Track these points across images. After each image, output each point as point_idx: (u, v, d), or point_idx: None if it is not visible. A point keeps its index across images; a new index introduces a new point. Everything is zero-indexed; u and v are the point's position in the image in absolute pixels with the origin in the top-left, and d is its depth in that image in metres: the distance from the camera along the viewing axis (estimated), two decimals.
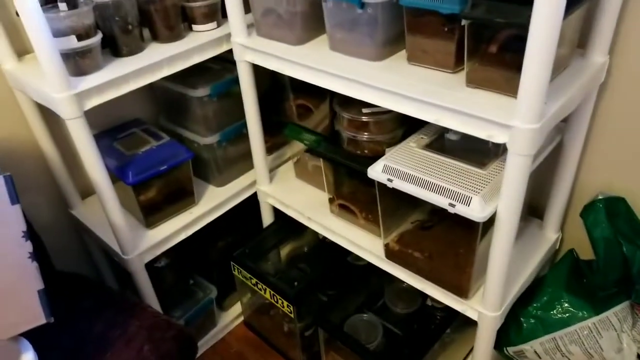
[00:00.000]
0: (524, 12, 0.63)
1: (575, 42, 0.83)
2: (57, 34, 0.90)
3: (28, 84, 1.01)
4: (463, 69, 0.79)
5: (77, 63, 0.96)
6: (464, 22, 0.73)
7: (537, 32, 0.61)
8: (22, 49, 1.08)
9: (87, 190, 1.28)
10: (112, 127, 1.26)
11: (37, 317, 0.65)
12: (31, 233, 0.66)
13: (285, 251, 1.38)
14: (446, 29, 0.80)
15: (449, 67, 0.83)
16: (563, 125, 0.95)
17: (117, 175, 1.10)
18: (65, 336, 0.87)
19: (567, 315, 0.96)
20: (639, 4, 0.83)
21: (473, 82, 0.78)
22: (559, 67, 0.80)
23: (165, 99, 1.31)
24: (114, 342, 0.86)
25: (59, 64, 0.88)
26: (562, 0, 0.59)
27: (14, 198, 0.63)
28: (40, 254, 0.67)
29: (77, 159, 1.12)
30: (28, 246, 0.64)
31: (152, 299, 1.19)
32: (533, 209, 1.11)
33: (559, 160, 0.98)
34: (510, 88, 0.72)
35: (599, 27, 0.82)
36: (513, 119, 0.68)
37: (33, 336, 0.68)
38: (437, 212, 0.99)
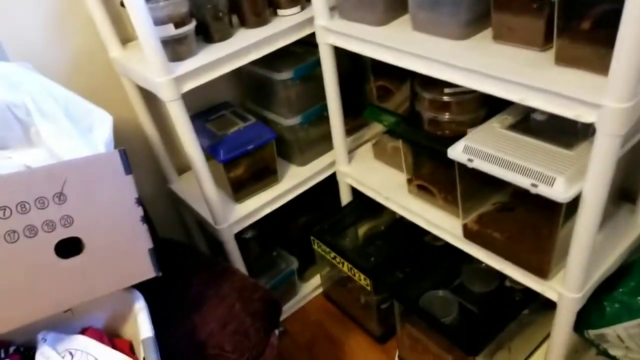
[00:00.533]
0: None
1: None
2: (157, 22, 0.98)
3: (132, 70, 1.11)
4: (552, 47, 0.77)
5: (174, 49, 1.04)
6: None
7: (633, 5, 0.59)
8: (125, 37, 1.19)
9: (182, 168, 1.40)
10: (204, 109, 1.35)
11: (148, 271, 0.74)
12: (140, 200, 0.75)
13: (362, 229, 1.42)
14: (535, 5, 0.78)
15: (537, 45, 0.81)
16: None
17: (209, 154, 1.19)
18: (169, 292, 0.97)
19: None
20: None
21: (562, 60, 0.76)
22: None
23: (251, 82, 1.38)
24: (209, 299, 0.95)
25: (159, 50, 0.96)
26: None
27: (128, 169, 0.72)
28: (147, 221, 0.76)
29: (174, 138, 1.23)
30: (140, 211, 0.73)
31: (240, 266, 1.29)
32: (625, 193, 1.06)
33: None
34: (601, 67, 0.70)
35: None
36: (603, 98, 0.66)
37: (143, 290, 0.78)
38: (519, 195, 0.98)
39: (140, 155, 1.34)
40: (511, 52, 0.83)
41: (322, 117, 1.33)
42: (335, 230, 1.38)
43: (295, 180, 1.34)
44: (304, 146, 1.36)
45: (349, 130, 1.43)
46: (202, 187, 1.14)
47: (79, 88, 0.90)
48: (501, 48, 0.85)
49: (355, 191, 1.39)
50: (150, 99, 1.22)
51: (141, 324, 0.72)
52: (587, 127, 0.81)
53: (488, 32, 0.89)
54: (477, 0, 0.87)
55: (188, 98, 1.04)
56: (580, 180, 0.76)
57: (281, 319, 1.48)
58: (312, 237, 1.39)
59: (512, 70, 0.78)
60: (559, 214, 0.82)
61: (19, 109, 0.76)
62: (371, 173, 1.32)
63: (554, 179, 0.77)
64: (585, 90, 0.69)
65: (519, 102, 0.78)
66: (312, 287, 1.56)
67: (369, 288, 1.26)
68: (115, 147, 0.80)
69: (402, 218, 1.24)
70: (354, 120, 1.43)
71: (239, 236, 1.27)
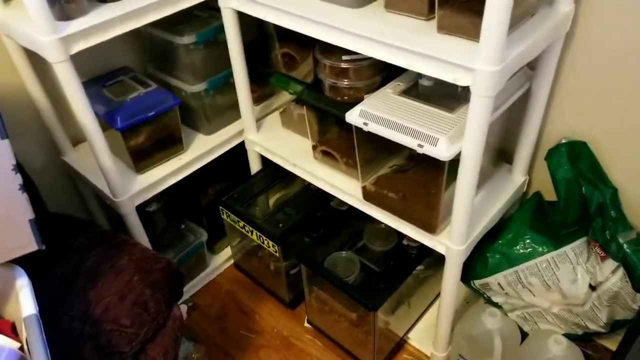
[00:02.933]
0: None
1: None
2: None
3: (15, 29, 1.02)
4: (435, 16, 0.83)
5: (62, 8, 0.97)
6: None
7: None
8: None
9: (78, 138, 1.32)
10: (101, 74, 1.28)
11: (29, 244, 0.70)
12: (22, 174, 0.70)
13: (272, 197, 1.44)
14: None
15: (423, 14, 0.86)
16: (531, 73, 0.98)
17: (106, 121, 1.13)
18: (59, 268, 0.93)
19: (529, 250, 1.03)
20: None
21: (443, 28, 0.81)
22: (525, 13, 0.83)
23: (153, 47, 1.33)
24: (105, 274, 0.91)
25: (44, 8, 0.89)
26: None
27: (3, 133, 0.67)
28: (32, 195, 0.71)
29: (67, 106, 1.15)
30: (18, 179, 0.68)
31: (144, 240, 1.25)
32: (504, 154, 1.16)
33: (527, 106, 1.03)
34: (476, 34, 0.75)
35: None
36: (476, 62, 0.72)
37: (28, 267, 0.73)
38: (412, 157, 1.04)
39: (29, 124, 1.24)
40: (400, 21, 0.87)
41: (228, 84, 1.31)
42: (245, 199, 1.39)
43: (202, 149, 1.32)
44: (211, 114, 1.34)
45: (257, 99, 1.43)
46: (97, 156, 1.08)
47: None
48: (391, 16, 0.89)
49: (264, 160, 1.40)
50: (39, 62, 1.13)
51: (23, 302, 0.67)
52: (466, 91, 0.88)
53: (382, 1, 0.93)
54: None
55: (81, 61, 0.98)
56: (460, 140, 0.83)
57: (192, 293, 1.48)
58: (220, 207, 1.38)
59: (399, 37, 0.82)
60: (443, 172, 0.88)
61: None
62: (279, 141, 1.34)
63: (437, 139, 0.83)
64: (461, 56, 0.75)
65: (406, 67, 0.83)
66: (222, 259, 1.56)
67: (277, 254, 1.28)
68: None
69: (310, 185, 1.27)
70: (262, 88, 1.43)
71: (142, 209, 1.23)
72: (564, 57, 0.98)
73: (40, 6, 0.89)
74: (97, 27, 0.98)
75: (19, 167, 0.69)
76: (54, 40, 0.92)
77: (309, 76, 1.28)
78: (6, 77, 1.16)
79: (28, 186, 0.70)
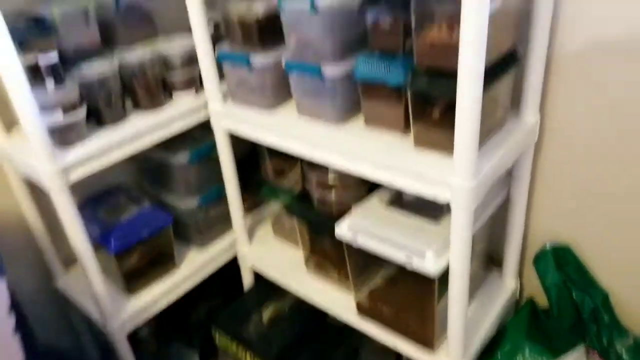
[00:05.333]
0: (455, 86, 0.71)
1: (508, 104, 0.91)
2: (44, 108, 0.96)
3: (15, 157, 1.07)
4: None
5: (62, 135, 1.01)
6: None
7: (464, 103, 0.68)
8: (10, 120, 1.12)
9: (70, 258, 1.31)
10: (96, 193, 1.31)
11: None
12: (14, 304, 0.68)
13: (266, 311, 1.39)
14: (394, 97, 0.88)
15: (400, 130, 0.90)
16: (509, 180, 1.01)
17: (100, 244, 1.13)
18: None
19: None
20: (560, 70, 0.92)
21: (420, 143, 0.85)
22: (494, 127, 0.87)
23: (147, 165, 1.37)
24: None
25: (45, 138, 0.93)
26: (479, 79, 0.67)
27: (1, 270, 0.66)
28: (23, 326, 0.69)
29: (61, 228, 1.16)
30: (11, 320, 0.66)
31: None
32: (493, 258, 1.15)
33: (509, 211, 1.04)
34: (451, 148, 0.79)
35: (526, 90, 0.91)
36: (452, 178, 0.75)
37: None
38: (402, 268, 1.03)
39: (22, 249, 1.24)
40: (379, 136, 0.92)
41: (221, 196, 1.34)
42: (238, 317, 1.33)
43: (194, 264, 1.30)
44: (203, 228, 1.35)
45: (249, 208, 1.45)
46: (89, 282, 1.07)
47: None
48: (372, 132, 0.94)
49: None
50: (35, 186, 1.17)
51: None
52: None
53: (361, 117, 0.98)
54: (349, 91, 0.96)
55: (78, 183, 1.00)
56: (446, 252, 0.83)
57: None
58: (212, 328, 1.33)
59: (379, 154, 0.86)
60: (434, 284, 0.87)
61: None
62: (272, 252, 1.33)
63: (424, 253, 0.83)
64: (439, 172, 0.77)
65: (387, 182, 0.85)
66: None
67: None
68: None
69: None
70: (254, 197, 1.46)
71: (133, 336, 1.19)
72: (537, 163, 1.02)
73: (40, 137, 0.93)
74: (96, 154, 1.02)
75: (12, 299, 0.68)
76: (54, 170, 0.95)
77: (298, 184, 1.31)
78: (2, 202, 1.19)
79: (19, 320, 0.68)
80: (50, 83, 0.98)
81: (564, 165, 0.99)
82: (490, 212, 0.93)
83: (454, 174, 0.74)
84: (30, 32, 1.02)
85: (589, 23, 0.86)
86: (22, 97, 0.88)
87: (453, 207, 0.76)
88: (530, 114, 0.92)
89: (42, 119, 0.93)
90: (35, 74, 0.99)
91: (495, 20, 0.68)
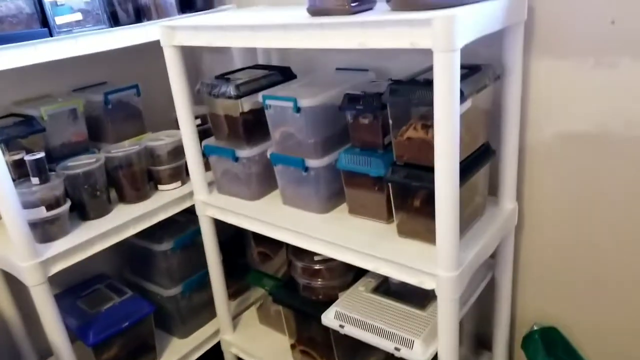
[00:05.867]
0: (433, 177, 0.75)
1: (486, 193, 0.95)
2: (27, 205, 0.97)
3: None
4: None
5: (45, 230, 1.02)
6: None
7: (442, 197, 0.72)
8: None
9: (47, 350, 1.26)
10: (77, 283, 1.28)
11: None
12: None
13: None
14: (377, 187, 0.92)
15: (383, 219, 0.94)
16: (493, 262, 1.04)
17: (77, 336, 1.10)
18: None
19: None
20: (534, 159, 0.98)
21: (403, 232, 0.88)
22: (474, 216, 0.91)
23: (130, 253, 1.36)
24: None
25: (26, 234, 0.93)
26: (455, 174, 0.71)
27: None
28: None
29: (37, 318, 1.12)
30: None
31: None
32: (483, 342, 1.15)
33: (495, 293, 1.06)
34: (433, 238, 0.82)
35: (503, 180, 0.96)
36: (436, 268, 0.77)
37: None
38: (392, 355, 1.02)
39: None
40: (364, 225, 0.95)
41: (204, 283, 1.33)
42: None
43: (176, 354, 1.27)
44: (186, 316, 1.33)
45: (234, 294, 1.43)
46: None
47: None
48: (356, 221, 0.97)
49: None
50: (13, 278, 1.14)
51: None
52: None
53: (345, 206, 1.01)
54: (333, 181, 1.00)
55: (58, 274, 0.99)
56: (435, 339, 0.83)
57: None
58: None
59: (364, 242, 0.88)
60: None
61: None
62: (256, 339, 1.30)
63: (413, 342, 0.83)
64: (422, 262, 0.80)
65: (373, 270, 0.87)
66: None
67: None
68: None
69: None
70: (238, 283, 1.44)
71: None
72: (519, 245, 1.05)
73: (22, 232, 0.93)
74: (78, 247, 1.02)
75: None
76: (33, 265, 0.95)
77: (283, 268, 1.31)
78: None
79: None
80: (35, 180, 0.99)
81: (546, 246, 1.03)
82: (477, 295, 0.95)
83: (437, 264, 0.76)
84: (19, 130, 1.04)
85: (557, 120, 0.93)
86: (5, 194, 0.89)
87: (438, 295, 0.78)
88: (508, 201, 0.97)
89: (24, 214, 0.93)
90: (21, 168, 1.01)
91: (466, 119, 0.74)
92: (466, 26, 0.66)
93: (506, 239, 0.99)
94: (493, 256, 1.04)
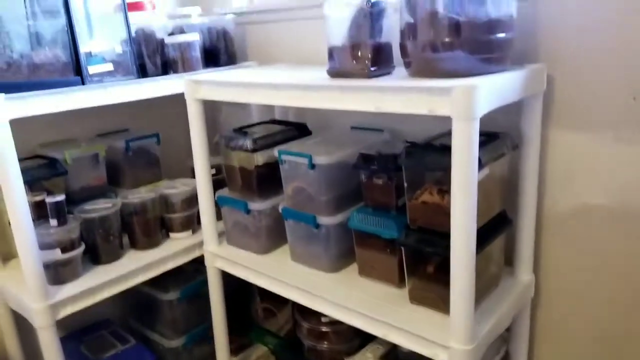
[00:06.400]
0: (448, 244, 0.73)
1: (501, 263, 0.93)
2: (44, 246, 0.98)
3: (8, 291, 1.05)
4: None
5: (57, 272, 1.02)
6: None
7: (457, 267, 0.70)
8: (7, 253, 1.13)
9: None
10: (81, 328, 1.27)
11: None
12: None
13: None
14: (388, 250, 0.90)
15: (394, 283, 0.91)
16: (507, 335, 0.99)
17: None
18: None
19: None
20: (551, 230, 0.96)
21: (415, 299, 0.85)
22: (489, 286, 0.88)
23: (136, 300, 1.34)
24: None
25: (40, 276, 0.94)
26: (472, 243, 0.69)
27: None
28: None
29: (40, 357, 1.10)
30: None
31: None
32: None
33: None
34: (447, 308, 0.79)
35: (519, 251, 0.93)
36: (450, 340, 0.74)
37: None
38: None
39: None
40: (374, 287, 0.92)
41: (207, 336, 1.29)
42: None
43: None
44: None
45: (235, 349, 1.38)
46: None
47: None
48: (366, 282, 0.95)
49: None
50: (21, 318, 1.13)
51: None
52: None
53: (356, 266, 0.99)
54: (343, 240, 0.98)
55: (64, 318, 0.98)
56: None
57: None
58: None
59: (373, 307, 0.86)
60: None
61: None
62: None
63: None
64: (436, 332, 0.77)
65: (382, 337, 0.84)
66: None
67: None
68: None
69: None
70: (241, 338, 1.40)
71: None
72: (535, 320, 1.01)
73: (37, 272, 0.94)
74: (87, 292, 1.02)
75: None
76: (44, 307, 0.95)
77: (287, 325, 1.28)
78: None
79: None
80: (53, 221, 1.01)
81: (563, 321, 0.99)
82: None
83: (451, 336, 0.73)
84: (43, 172, 1.07)
85: (575, 192, 0.91)
86: (26, 235, 0.91)
87: None
88: (524, 272, 0.94)
89: (40, 255, 0.94)
90: (40, 209, 1.03)
91: (483, 187, 0.73)
92: (486, 96, 0.67)
93: (522, 311, 0.95)
94: (508, 329, 0.99)
